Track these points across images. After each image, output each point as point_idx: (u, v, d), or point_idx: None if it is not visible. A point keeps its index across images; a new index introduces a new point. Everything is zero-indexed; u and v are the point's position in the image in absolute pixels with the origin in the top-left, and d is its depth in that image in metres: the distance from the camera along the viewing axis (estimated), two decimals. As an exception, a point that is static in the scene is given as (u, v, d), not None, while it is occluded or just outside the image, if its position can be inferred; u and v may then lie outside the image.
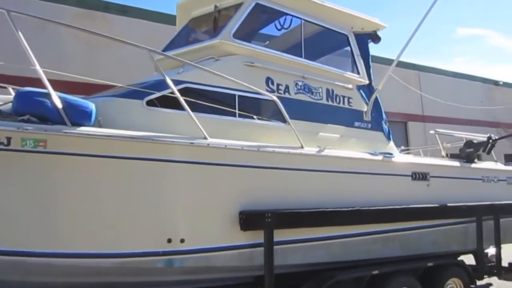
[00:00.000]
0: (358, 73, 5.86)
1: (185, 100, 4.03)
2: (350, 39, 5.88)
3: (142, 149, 3.78)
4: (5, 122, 3.32)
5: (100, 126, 3.78)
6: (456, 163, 6.42)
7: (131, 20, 13.35)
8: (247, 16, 4.99)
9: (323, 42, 5.90)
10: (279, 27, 5.60)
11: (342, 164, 4.97)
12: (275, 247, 4.30)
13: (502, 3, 52.07)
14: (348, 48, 5.94)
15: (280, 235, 4.36)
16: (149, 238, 3.88)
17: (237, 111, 4.67)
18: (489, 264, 6.38)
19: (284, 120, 4.69)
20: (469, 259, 6.34)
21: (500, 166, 7.08)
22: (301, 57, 5.34)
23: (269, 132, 4.80)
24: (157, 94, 4.21)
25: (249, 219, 4.21)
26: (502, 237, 6.28)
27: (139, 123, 3.96)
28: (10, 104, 3.58)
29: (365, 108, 5.77)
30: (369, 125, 5.76)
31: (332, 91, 5.49)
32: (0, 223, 3.43)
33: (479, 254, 6.15)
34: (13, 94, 3.91)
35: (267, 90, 4.91)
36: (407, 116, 19.49)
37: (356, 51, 5.90)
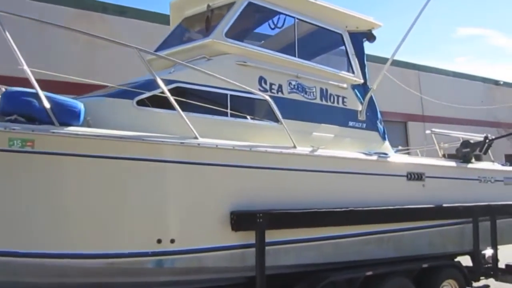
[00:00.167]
0: (353, 72, 5.81)
1: (176, 100, 4.00)
2: (344, 38, 5.84)
3: (131, 149, 3.76)
4: None
5: (89, 126, 3.75)
6: (452, 163, 6.37)
7: (128, 21, 13.33)
8: (239, 15, 4.96)
9: (317, 41, 5.86)
10: (272, 26, 5.57)
11: (335, 164, 4.93)
12: (267, 247, 4.27)
13: (502, 2, 51.97)
14: (343, 47, 5.90)
15: (272, 235, 4.33)
16: (138, 238, 3.85)
17: (229, 110, 4.64)
18: (486, 266, 6.33)
19: (276, 120, 4.66)
20: (466, 261, 6.29)
21: (497, 166, 7.02)
22: (295, 56, 5.30)
23: (262, 132, 4.77)
24: (147, 94, 4.18)
25: (240, 220, 4.17)
26: (498, 238, 6.22)
27: (129, 123, 3.94)
28: None
29: (359, 107, 5.73)
30: (364, 125, 5.72)
31: (326, 90, 5.45)
32: None
33: (475, 256, 6.09)
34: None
35: (260, 90, 4.87)
36: (407, 116, 19.43)
37: (351, 50, 5.86)
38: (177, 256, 3.98)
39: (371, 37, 6.08)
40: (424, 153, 7.64)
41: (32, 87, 3.45)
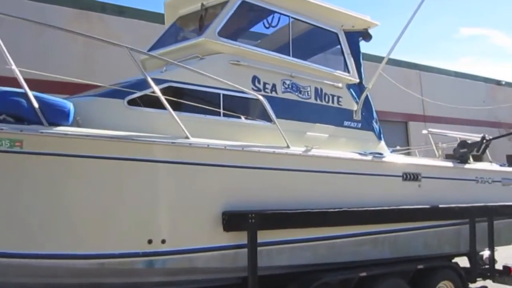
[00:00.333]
0: (348, 71, 5.77)
1: (168, 99, 3.98)
2: (340, 37, 5.79)
3: (121, 148, 3.73)
4: None
5: (78, 125, 3.74)
6: (449, 164, 6.32)
7: (127, 21, 13.32)
8: (233, 14, 4.93)
9: (312, 41, 5.82)
10: (267, 25, 5.54)
11: (329, 164, 4.89)
12: (260, 248, 4.24)
13: (505, 2, 51.75)
14: (339, 47, 5.86)
15: (265, 236, 4.30)
16: (129, 239, 3.83)
17: (221, 110, 4.61)
18: (483, 267, 6.28)
19: (270, 120, 4.63)
20: (464, 262, 6.24)
21: (495, 167, 6.96)
22: (289, 55, 5.26)
23: (255, 131, 4.74)
24: (138, 94, 4.16)
25: (232, 220, 4.15)
26: (496, 239, 6.17)
27: (120, 123, 3.91)
28: None
29: (355, 107, 5.68)
30: (359, 125, 5.68)
31: (321, 90, 5.42)
32: None
33: (472, 257, 6.03)
34: None
35: (253, 89, 4.84)
36: (407, 116, 19.33)
37: (346, 50, 5.81)
38: (168, 256, 3.96)
39: (367, 36, 6.03)
40: (421, 153, 7.59)
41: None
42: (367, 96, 5.78)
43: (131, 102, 4.15)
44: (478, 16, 57.59)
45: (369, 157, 5.24)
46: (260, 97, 4.53)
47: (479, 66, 63.47)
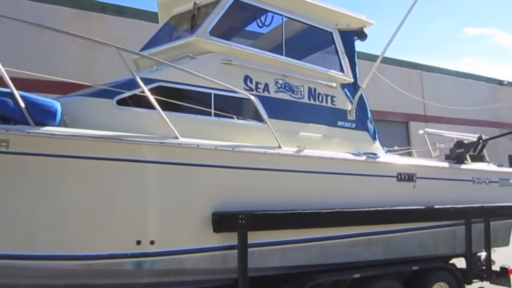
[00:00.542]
0: (343, 71, 5.72)
1: (157, 99, 3.95)
2: (334, 36, 5.74)
3: (108, 148, 3.70)
4: None
5: (66, 125, 3.71)
6: (444, 164, 6.25)
7: (127, 21, 13.32)
8: (225, 13, 4.89)
9: (306, 40, 5.76)
10: (260, 24, 5.50)
11: (322, 165, 4.84)
12: (251, 249, 4.20)
13: (509, 2, 51.45)
14: (334, 46, 5.81)
15: (256, 237, 4.26)
16: (117, 240, 3.80)
17: (212, 110, 4.57)
18: (480, 268, 6.22)
19: (262, 120, 4.59)
20: (461, 263, 6.18)
21: (492, 167, 6.88)
22: (282, 55, 5.22)
23: (247, 131, 4.70)
24: (128, 93, 4.13)
25: (221, 221, 4.11)
26: (493, 240, 6.10)
27: (109, 123, 3.89)
28: None
29: (349, 107, 5.63)
30: (354, 125, 5.62)
31: (315, 89, 5.37)
32: None
33: (468, 258, 5.97)
34: None
35: (245, 89, 4.80)
36: (408, 116, 19.26)
37: (341, 49, 5.76)
38: (157, 257, 3.93)
39: (362, 35, 5.98)
40: (419, 153, 7.52)
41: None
42: (361, 95, 5.73)
43: (120, 102, 4.12)
44: (482, 16, 57.35)
45: (363, 158, 5.19)
46: (252, 97, 4.49)
47: (481, 66, 63.19)
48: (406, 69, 19.44)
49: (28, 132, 3.40)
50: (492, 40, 56.38)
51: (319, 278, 4.62)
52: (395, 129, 18.53)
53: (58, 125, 3.61)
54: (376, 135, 5.84)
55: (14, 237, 3.50)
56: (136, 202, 3.86)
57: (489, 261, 6.10)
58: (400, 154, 7.44)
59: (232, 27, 5.49)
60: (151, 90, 4.03)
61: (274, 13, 5.35)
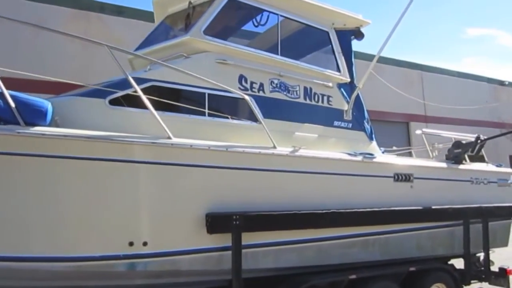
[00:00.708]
0: (339, 71, 5.67)
1: (150, 99, 3.91)
2: (331, 36, 5.69)
3: (100, 149, 3.66)
4: None
5: (57, 125, 3.68)
6: (442, 164, 6.20)
7: (126, 21, 13.29)
8: (219, 12, 4.85)
9: (303, 39, 5.72)
10: (256, 24, 5.46)
11: (317, 165, 4.80)
12: (245, 250, 4.16)
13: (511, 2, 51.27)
14: (330, 45, 5.76)
15: (250, 238, 4.22)
16: (109, 241, 3.76)
17: (206, 110, 4.53)
18: (479, 269, 6.16)
19: (257, 120, 4.54)
20: (460, 263, 6.12)
21: (490, 167, 6.83)
22: (278, 54, 5.17)
23: (242, 132, 4.66)
24: (120, 93, 4.09)
25: (215, 222, 4.07)
26: (491, 240, 6.05)
27: (101, 123, 3.85)
28: None
29: (345, 107, 5.58)
30: (350, 125, 5.57)
31: (311, 89, 5.32)
32: None
33: (467, 259, 5.92)
34: None
35: (240, 89, 4.76)
36: (409, 117, 19.17)
37: (337, 48, 5.71)
38: (150, 259, 3.89)
39: (359, 35, 5.92)
40: (418, 154, 7.47)
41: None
42: (358, 95, 5.68)
43: (113, 102, 4.08)
44: (485, 16, 57.23)
45: (359, 158, 5.14)
46: (246, 97, 4.45)
47: (483, 67, 63.05)
48: (407, 70, 19.35)
49: (18, 132, 3.37)
50: (494, 41, 56.29)
51: (315, 279, 4.58)
52: (396, 129, 18.45)
53: (49, 125, 3.58)
54: (373, 135, 5.79)
55: (5, 238, 3.47)
56: (129, 203, 3.82)
57: (487, 261, 6.05)
58: (399, 155, 7.38)
59: (227, 26, 5.46)
60: (144, 90, 3.99)
61: (270, 12, 5.31)
